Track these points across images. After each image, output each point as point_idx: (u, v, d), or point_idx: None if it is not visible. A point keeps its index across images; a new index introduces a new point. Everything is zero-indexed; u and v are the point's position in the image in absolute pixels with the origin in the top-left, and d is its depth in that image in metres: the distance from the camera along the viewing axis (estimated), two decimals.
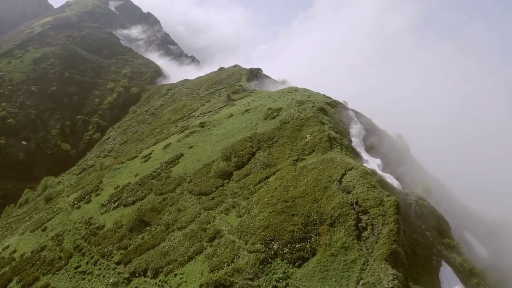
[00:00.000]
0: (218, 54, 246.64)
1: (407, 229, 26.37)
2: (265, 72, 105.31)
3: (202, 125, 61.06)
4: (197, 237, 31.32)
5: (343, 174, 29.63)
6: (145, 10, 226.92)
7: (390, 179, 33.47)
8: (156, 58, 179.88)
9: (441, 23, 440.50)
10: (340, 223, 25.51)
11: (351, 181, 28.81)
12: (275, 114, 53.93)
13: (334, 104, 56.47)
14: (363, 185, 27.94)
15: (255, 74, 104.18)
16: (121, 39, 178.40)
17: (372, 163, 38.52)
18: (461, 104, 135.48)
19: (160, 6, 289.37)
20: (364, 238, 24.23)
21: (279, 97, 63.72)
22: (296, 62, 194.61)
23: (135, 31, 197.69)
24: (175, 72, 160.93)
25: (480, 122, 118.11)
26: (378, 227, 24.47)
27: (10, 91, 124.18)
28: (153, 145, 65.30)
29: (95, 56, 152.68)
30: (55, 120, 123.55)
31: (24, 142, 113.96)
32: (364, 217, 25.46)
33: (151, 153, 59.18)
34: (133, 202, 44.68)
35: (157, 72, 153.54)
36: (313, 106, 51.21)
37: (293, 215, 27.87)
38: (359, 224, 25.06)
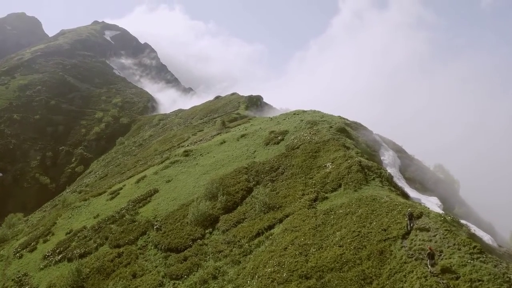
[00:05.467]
0: (219, 84, 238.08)
1: None
2: (265, 101, 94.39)
3: (186, 153, 48.66)
4: None
5: (411, 227, 16.36)
6: (143, 41, 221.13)
7: (473, 228, 20.24)
8: (151, 88, 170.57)
9: (449, 50, 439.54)
10: None
11: (429, 240, 15.61)
12: (279, 138, 41.50)
13: (354, 126, 44.16)
14: (458, 248, 14.69)
15: (254, 101, 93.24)
16: (115, 69, 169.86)
17: (429, 203, 25.40)
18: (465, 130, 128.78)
19: (159, 37, 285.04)
20: None
21: (284, 120, 51.63)
22: (298, 93, 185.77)
23: (130, 61, 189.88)
24: (170, 102, 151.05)
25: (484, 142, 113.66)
26: None
27: None
28: (128, 179, 52.70)
29: (85, 84, 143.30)
30: (35, 150, 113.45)
31: None
32: None
33: (121, 189, 47.20)
34: (81, 256, 32.80)
35: (150, 102, 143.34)
36: (331, 127, 38.80)
37: None
38: None
